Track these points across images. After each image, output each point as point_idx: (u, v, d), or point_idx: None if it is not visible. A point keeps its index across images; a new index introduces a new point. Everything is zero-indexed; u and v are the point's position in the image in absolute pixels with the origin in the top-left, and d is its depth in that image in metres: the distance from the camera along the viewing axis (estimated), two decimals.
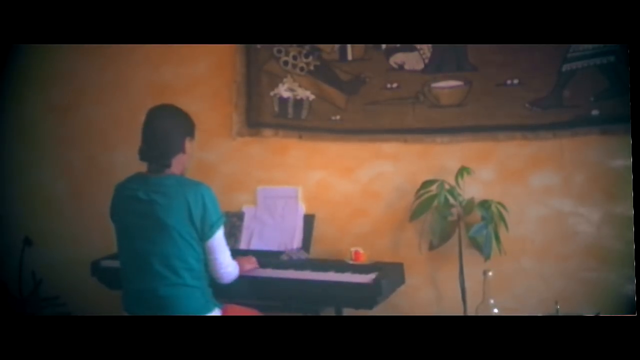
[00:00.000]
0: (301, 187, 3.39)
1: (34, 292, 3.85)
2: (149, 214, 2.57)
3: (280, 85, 3.43)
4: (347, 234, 3.35)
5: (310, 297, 2.94)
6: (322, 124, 3.39)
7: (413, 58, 3.21)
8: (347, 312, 3.04)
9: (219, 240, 2.64)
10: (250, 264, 2.97)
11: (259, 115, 3.49)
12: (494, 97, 3.10)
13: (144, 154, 2.64)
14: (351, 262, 3.14)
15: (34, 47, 3.78)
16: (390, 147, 3.29)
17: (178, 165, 2.67)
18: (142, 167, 2.69)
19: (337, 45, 3.32)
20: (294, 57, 3.40)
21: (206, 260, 2.66)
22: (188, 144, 2.69)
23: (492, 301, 2.79)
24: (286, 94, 3.43)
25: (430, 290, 3.24)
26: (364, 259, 3.15)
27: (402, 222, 3.25)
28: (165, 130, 2.64)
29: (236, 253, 2.87)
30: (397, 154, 3.29)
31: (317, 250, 3.30)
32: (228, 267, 2.70)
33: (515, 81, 3.07)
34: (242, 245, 3.31)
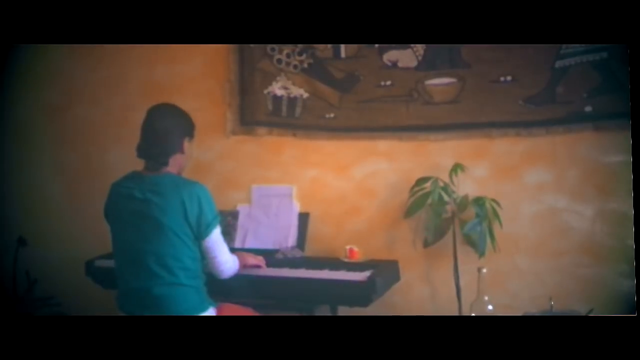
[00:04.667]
0: (295, 185, 3.39)
1: (29, 292, 3.84)
2: (144, 212, 2.58)
3: (274, 83, 3.43)
4: (341, 232, 3.35)
5: (305, 295, 2.95)
6: (316, 121, 3.39)
7: (406, 55, 3.21)
8: (342, 309, 3.04)
9: (216, 238, 2.65)
10: (256, 259, 2.96)
11: (252, 113, 3.49)
12: (488, 94, 3.10)
13: (142, 152, 2.64)
14: (346, 260, 3.15)
15: (28, 47, 3.77)
16: (384, 145, 3.30)
17: (175, 164, 2.67)
18: (137, 165, 2.69)
19: None
20: (288, 55, 3.40)
21: (204, 259, 2.67)
22: (187, 144, 2.70)
23: (486, 298, 2.80)
24: (280, 92, 3.43)
25: (425, 288, 3.24)
26: (358, 256, 3.15)
27: (396, 219, 3.25)
28: (166, 129, 2.64)
29: (232, 252, 2.87)
30: (391, 152, 3.29)
31: (311, 248, 3.30)
32: (227, 264, 2.71)
33: (509, 78, 3.07)
34: (237, 244, 3.31)
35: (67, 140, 3.91)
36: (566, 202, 3.04)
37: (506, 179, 3.12)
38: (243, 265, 2.84)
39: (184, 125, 2.72)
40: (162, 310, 2.56)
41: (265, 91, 3.46)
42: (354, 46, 3.28)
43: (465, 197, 3.06)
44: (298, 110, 3.41)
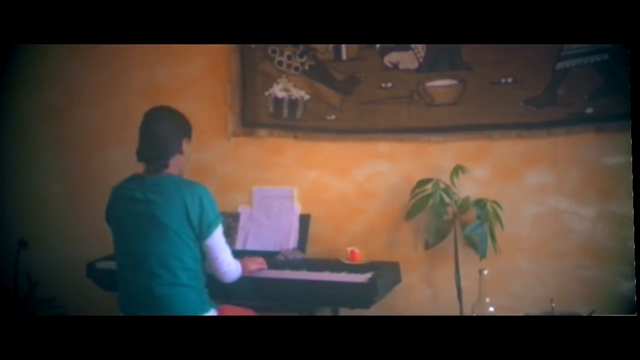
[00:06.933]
0: (297, 187, 3.39)
1: (30, 293, 3.84)
2: (146, 213, 2.58)
3: (275, 85, 3.43)
4: (342, 234, 3.35)
5: (307, 297, 2.94)
6: (317, 123, 3.39)
7: (407, 57, 3.21)
8: (344, 311, 3.04)
9: (218, 239, 2.65)
10: (256, 264, 2.95)
11: (254, 115, 3.49)
12: (489, 96, 3.10)
13: (141, 155, 2.65)
14: (347, 261, 3.15)
15: (28, 47, 3.77)
16: (385, 147, 3.29)
17: (175, 166, 2.69)
18: (138, 167, 2.69)
19: (331, 45, 3.32)
20: (289, 57, 3.40)
21: (207, 260, 2.67)
22: (185, 145, 2.72)
23: (487, 299, 2.80)
24: (281, 94, 3.43)
25: (426, 289, 3.24)
26: (359, 258, 3.15)
27: (397, 221, 3.25)
28: (163, 131, 2.66)
29: (234, 254, 2.86)
30: (392, 153, 3.29)
31: (313, 250, 3.30)
32: (230, 266, 2.70)
33: (510, 80, 3.07)
34: (238, 246, 3.31)
35: (67, 142, 3.91)
36: (567, 203, 3.04)
37: (507, 181, 3.12)
38: (247, 272, 2.83)
39: (181, 127, 2.73)
40: (163, 311, 2.56)
41: (267, 93, 3.46)
42: (355, 48, 3.28)
43: (466, 198, 3.06)
44: (299, 112, 3.41)
